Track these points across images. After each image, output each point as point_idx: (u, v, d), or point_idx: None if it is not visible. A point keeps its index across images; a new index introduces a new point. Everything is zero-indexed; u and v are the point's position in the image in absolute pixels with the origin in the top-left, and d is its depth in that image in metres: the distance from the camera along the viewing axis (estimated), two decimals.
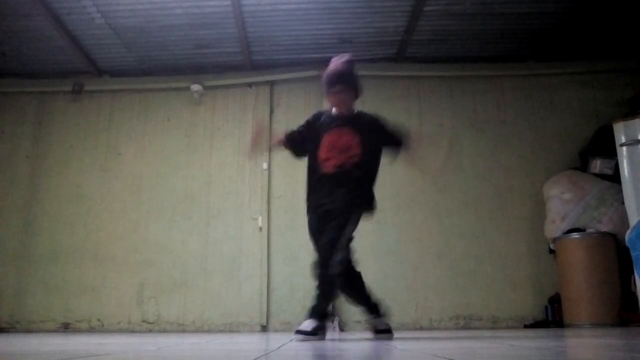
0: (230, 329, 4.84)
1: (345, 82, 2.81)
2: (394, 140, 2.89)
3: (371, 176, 2.85)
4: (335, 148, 2.76)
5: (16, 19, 4.58)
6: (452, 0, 4.42)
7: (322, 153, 2.78)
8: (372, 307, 2.79)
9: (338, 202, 2.69)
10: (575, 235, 4.46)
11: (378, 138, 2.86)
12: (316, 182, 2.81)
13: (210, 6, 4.46)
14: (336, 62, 2.84)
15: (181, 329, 4.86)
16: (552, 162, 5.05)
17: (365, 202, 2.81)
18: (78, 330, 4.87)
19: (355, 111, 2.91)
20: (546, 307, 4.71)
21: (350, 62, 2.85)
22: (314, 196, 2.83)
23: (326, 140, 2.79)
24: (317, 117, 2.94)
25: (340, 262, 2.56)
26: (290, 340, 2.59)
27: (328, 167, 2.75)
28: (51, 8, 4.45)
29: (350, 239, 2.71)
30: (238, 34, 4.81)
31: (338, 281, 2.62)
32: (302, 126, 2.95)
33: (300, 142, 2.93)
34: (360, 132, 2.79)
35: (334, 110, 2.89)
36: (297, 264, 4.91)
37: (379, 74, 5.35)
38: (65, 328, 4.91)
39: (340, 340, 2.64)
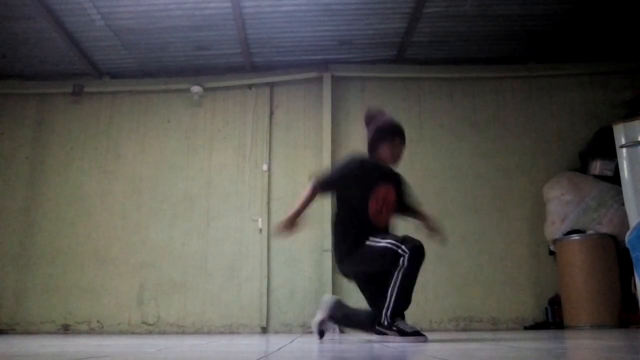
0: (230, 330, 4.84)
1: (402, 135, 2.78)
2: (411, 209, 2.94)
3: None
4: (387, 203, 2.73)
5: (17, 21, 4.59)
6: (452, 2, 4.42)
7: (374, 205, 2.69)
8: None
9: None
10: (575, 236, 4.46)
11: (401, 203, 2.86)
12: (364, 232, 2.67)
13: (210, 8, 4.47)
14: (388, 116, 2.82)
15: (181, 330, 4.86)
16: (552, 164, 5.05)
17: None
18: (78, 332, 4.87)
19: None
20: (546, 309, 4.71)
21: None
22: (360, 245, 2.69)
23: (380, 192, 2.71)
24: (364, 165, 2.78)
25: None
26: (291, 342, 2.59)
27: (379, 221, 2.71)
28: (52, 10, 4.45)
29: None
30: (238, 35, 4.81)
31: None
32: (346, 172, 2.75)
33: (341, 186, 2.75)
34: (398, 192, 2.79)
35: (381, 161, 2.79)
36: (297, 265, 4.91)
37: (379, 75, 5.36)
38: (65, 330, 4.91)
39: (340, 342, 2.64)
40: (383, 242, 2.59)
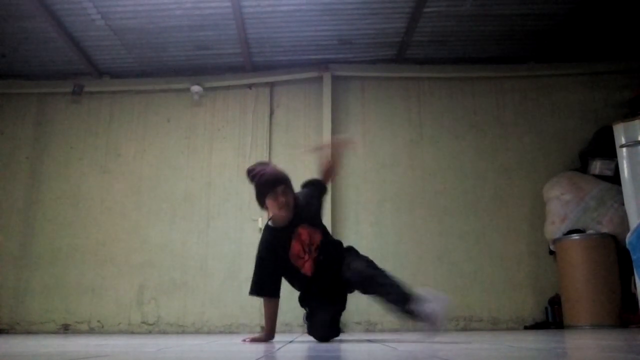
0: (230, 330, 4.84)
1: (284, 183, 2.60)
2: (322, 187, 2.84)
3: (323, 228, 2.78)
4: (314, 244, 2.64)
5: (16, 21, 4.59)
6: (452, 1, 4.42)
7: (302, 263, 2.63)
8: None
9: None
10: (575, 236, 4.46)
11: (315, 199, 2.79)
12: (307, 285, 2.71)
13: (210, 7, 4.47)
14: (263, 168, 2.68)
15: (181, 330, 4.86)
16: (552, 163, 5.05)
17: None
18: (78, 332, 4.87)
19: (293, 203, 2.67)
20: (546, 309, 4.71)
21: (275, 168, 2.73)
22: (313, 295, 2.75)
23: (295, 250, 2.62)
24: (268, 243, 2.68)
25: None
26: (290, 342, 2.59)
27: (307, 269, 2.63)
28: (51, 9, 4.45)
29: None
30: (238, 35, 4.81)
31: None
32: (263, 262, 2.66)
33: (271, 280, 2.66)
34: (309, 220, 2.67)
35: (275, 219, 2.67)
36: None
37: (379, 75, 5.36)
38: (65, 329, 4.91)
39: (339, 341, 2.64)
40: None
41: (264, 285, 2.66)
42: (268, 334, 2.69)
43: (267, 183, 2.59)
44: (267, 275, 2.65)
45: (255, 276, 2.66)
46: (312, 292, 2.74)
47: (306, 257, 2.62)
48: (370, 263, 2.60)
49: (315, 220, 2.73)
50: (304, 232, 2.64)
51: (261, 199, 2.62)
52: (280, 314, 4.94)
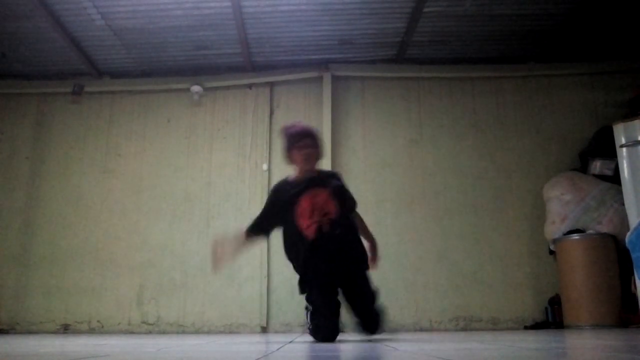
0: (230, 330, 4.84)
1: (312, 137, 2.75)
2: (349, 204, 2.82)
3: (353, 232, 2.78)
4: (318, 208, 2.63)
5: (16, 20, 4.58)
6: (452, 2, 4.42)
7: (303, 221, 2.64)
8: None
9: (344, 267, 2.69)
10: (575, 236, 4.46)
11: (348, 193, 2.83)
12: (306, 251, 2.67)
13: (210, 7, 4.46)
14: (296, 123, 2.84)
15: (181, 330, 4.86)
16: (551, 163, 5.05)
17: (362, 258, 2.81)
18: (78, 332, 4.87)
19: (318, 171, 2.83)
20: (546, 309, 4.71)
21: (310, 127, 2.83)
22: (310, 266, 2.70)
23: (304, 204, 2.65)
24: (279, 190, 2.81)
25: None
26: (291, 342, 2.59)
27: (310, 233, 2.63)
28: (51, 9, 4.45)
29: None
30: (238, 35, 4.81)
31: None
32: (267, 207, 2.84)
33: (268, 224, 2.84)
34: (335, 191, 2.71)
35: (297, 172, 2.78)
36: None
37: (379, 75, 5.36)
38: (65, 329, 4.91)
39: (339, 341, 2.64)
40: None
41: (257, 228, 2.84)
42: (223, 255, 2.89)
43: (296, 134, 2.72)
44: (266, 221, 2.81)
45: (257, 218, 2.85)
46: (312, 266, 2.67)
47: (313, 219, 2.62)
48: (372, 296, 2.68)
49: (340, 195, 2.72)
50: (322, 195, 2.66)
51: (288, 150, 2.75)
52: (280, 314, 4.94)
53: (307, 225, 2.62)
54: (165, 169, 5.26)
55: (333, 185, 2.74)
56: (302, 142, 2.70)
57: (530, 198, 5.01)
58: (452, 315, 4.80)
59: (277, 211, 2.75)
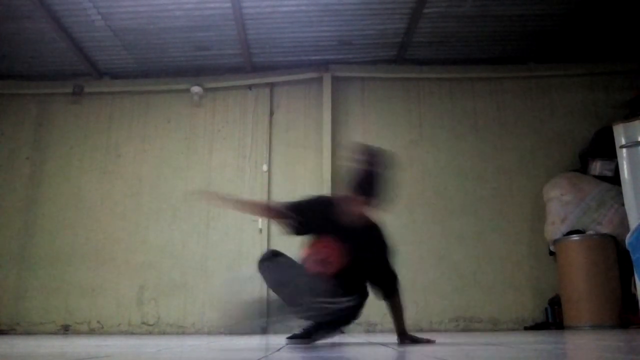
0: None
1: (372, 195, 2.39)
2: (384, 283, 2.54)
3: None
4: (325, 262, 2.36)
5: (17, 21, 4.58)
6: (452, 2, 4.42)
7: (308, 250, 2.42)
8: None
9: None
10: (575, 237, 4.46)
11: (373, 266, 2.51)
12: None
13: (211, 8, 4.46)
14: (374, 158, 2.43)
15: (181, 330, 4.86)
16: (552, 164, 5.05)
17: None
18: (78, 332, 4.87)
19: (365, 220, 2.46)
20: (546, 309, 4.71)
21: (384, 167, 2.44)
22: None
23: (321, 243, 2.39)
24: (320, 203, 2.53)
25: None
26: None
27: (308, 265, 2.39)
28: (52, 10, 4.45)
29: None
30: (238, 36, 4.81)
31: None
32: (303, 204, 2.50)
33: (299, 214, 2.47)
34: (353, 244, 2.38)
35: (343, 202, 2.43)
36: None
37: (379, 75, 5.35)
38: (65, 330, 4.91)
39: (339, 343, 2.63)
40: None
41: (290, 210, 2.46)
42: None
43: (360, 181, 2.37)
44: (299, 213, 2.46)
45: (295, 202, 2.51)
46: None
47: (316, 257, 2.41)
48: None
49: (364, 252, 2.45)
50: (339, 249, 2.35)
51: (355, 188, 2.38)
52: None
53: (307, 255, 2.44)
54: (165, 169, 5.25)
55: (368, 253, 2.46)
56: (360, 196, 2.36)
57: (530, 198, 5.01)
58: (452, 316, 4.80)
59: (310, 214, 2.46)
